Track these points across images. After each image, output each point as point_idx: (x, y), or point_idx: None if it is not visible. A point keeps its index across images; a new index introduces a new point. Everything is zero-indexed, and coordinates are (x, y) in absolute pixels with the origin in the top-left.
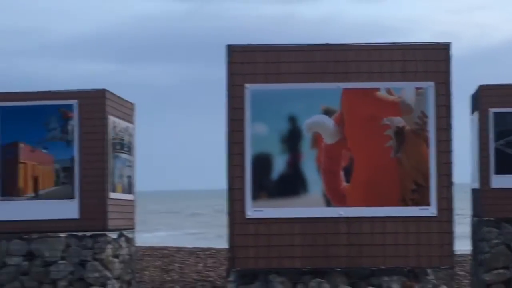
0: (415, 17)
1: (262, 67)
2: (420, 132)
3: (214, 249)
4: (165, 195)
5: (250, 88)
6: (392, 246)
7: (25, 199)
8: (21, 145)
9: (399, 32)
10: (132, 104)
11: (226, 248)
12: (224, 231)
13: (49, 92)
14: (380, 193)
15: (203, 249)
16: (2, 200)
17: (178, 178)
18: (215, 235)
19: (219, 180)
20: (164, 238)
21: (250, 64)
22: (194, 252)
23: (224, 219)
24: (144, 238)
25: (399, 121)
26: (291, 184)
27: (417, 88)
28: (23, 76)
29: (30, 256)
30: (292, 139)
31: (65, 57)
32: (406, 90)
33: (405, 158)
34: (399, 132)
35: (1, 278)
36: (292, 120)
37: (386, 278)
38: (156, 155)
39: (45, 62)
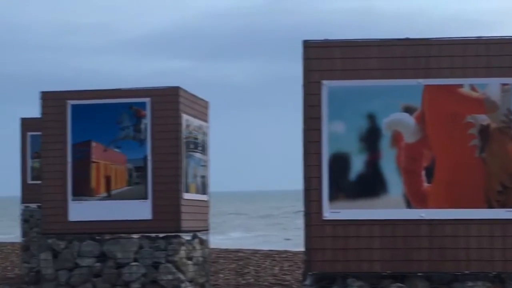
0: (506, 9)
1: (340, 63)
2: (506, 130)
3: (290, 251)
4: (238, 196)
5: (327, 84)
6: (476, 249)
7: (97, 199)
8: (93, 144)
9: (488, 26)
10: (206, 102)
11: (302, 251)
12: (293, 233)
13: (122, 90)
14: (464, 194)
15: (279, 252)
16: (74, 200)
17: (252, 179)
18: (281, 238)
19: (295, 181)
20: (237, 241)
21: (327, 60)
22: (270, 254)
23: (295, 221)
24: (217, 240)
25: (483, 119)
26: (370, 185)
27: (503, 85)
28: (92, 74)
29: (102, 257)
30: (370, 137)
31: (135, 54)
32: (491, 86)
33: (490, 158)
34: (484, 131)
35: (73, 280)
36: (371, 118)
37: (470, 284)
38: (230, 155)
39: (114, 59)
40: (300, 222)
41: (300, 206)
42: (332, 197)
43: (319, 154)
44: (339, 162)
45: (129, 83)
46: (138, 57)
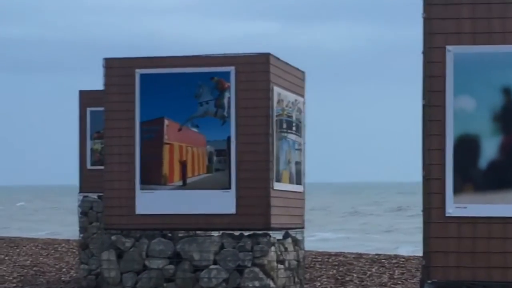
0: None
1: (469, 25)
2: None
3: (402, 256)
4: (334, 187)
5: (453, 51)
6: None
7: (170, 189)
8: (166, 122)
9: None
10: (301, 72)
11: (417, 256)
12: (383, 237)
13: (200, 56)
14: None
15: (388, 257)
16: (142, 189)
17: (353, 167)
18: (363, 240)
19: (406, 171)
20: (333, 242)
21: (453, 20)
22: (377, 260)
23: (392, 221)
24: (308, 241)
25: None
26: (505, 174)
27: None
28: (163, 38)
29: (176, 258)
30: (507, 116)
31: (207, 16)
32: None
33: None
34: None
35: (140, 285)
36: (507, 92)
37: None
38: (326, 137)
39: (189, 21)
40: (399, 221)
41: (400, 201)
42: (458, 189)
43: (442, 135)
44: (467, 146)
45: (204, 50)
46: (211, 19)
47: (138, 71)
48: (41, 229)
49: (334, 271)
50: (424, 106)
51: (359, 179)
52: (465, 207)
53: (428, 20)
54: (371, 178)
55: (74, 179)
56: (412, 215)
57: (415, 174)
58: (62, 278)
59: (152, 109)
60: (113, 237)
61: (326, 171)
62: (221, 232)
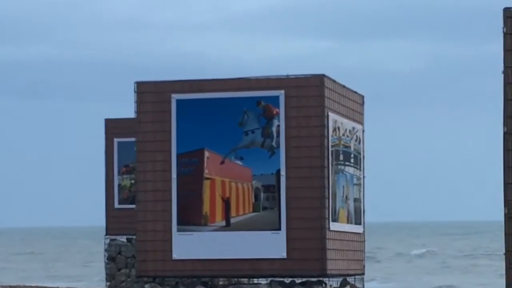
0: None
1: None
2: None
3: None
4: (395, 227)
5: None
6: None
7: (211, 230)
8: (207, 154)
9: None
10: (361, 96)
11: None
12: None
13: (244, 79)
14: None
15: None
16: (180, 231)
17: (419, 204)
18: None
19: (485, 209)
20: None
21: None
22: None
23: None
24: None
25: None
26: None
27: None
28: (202, 59)
29: None
30: None
31: (250, 33)
32: None
33: None
34: None
35: None
36: None
37: None
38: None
39: (232, 39)
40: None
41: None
42: None
43: None
44: None
45: (249, 72)
46: (256, 37)
47: (175, 96)
48: (61, 276)
49: None
50: (505, 134)
51: (425, 218)
52: None
53: (509, 35)
54: (439, 216)
55: (100, 220)
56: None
57: (493, 212)
58: None
59: (190, 139)
60: (146, 286)
61: (388, 209)
62: (269, 279)
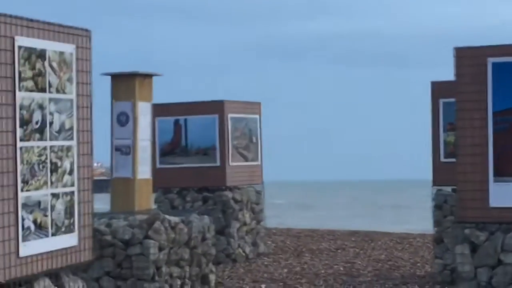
0: None
1: None
2: None
3: None
4: None
5: None
6: None
7: None
8: None
9: None
10: None
11: None
12: None
13: None
14: None
15: None
16: (496, 181)
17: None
18: None
19: None
20: None
21: None
22: None
23: None
24: None
25: None
26: None
27: None
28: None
29: None
30: None
31: None
32: None
33: None
34: None
35: (495, 280)
36: None
37: None
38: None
39: None
40: None
41: None
42: None
43: None
44: None
45: None
46: None
47: (491, 60)
48: (395, 223)
49: None
50: None
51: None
52: None
53: None
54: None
55: (426, 173)
56: None
57: None
58: (417, 273)
59: (505, 99)
60: (466, 231)
61: None
62: None
